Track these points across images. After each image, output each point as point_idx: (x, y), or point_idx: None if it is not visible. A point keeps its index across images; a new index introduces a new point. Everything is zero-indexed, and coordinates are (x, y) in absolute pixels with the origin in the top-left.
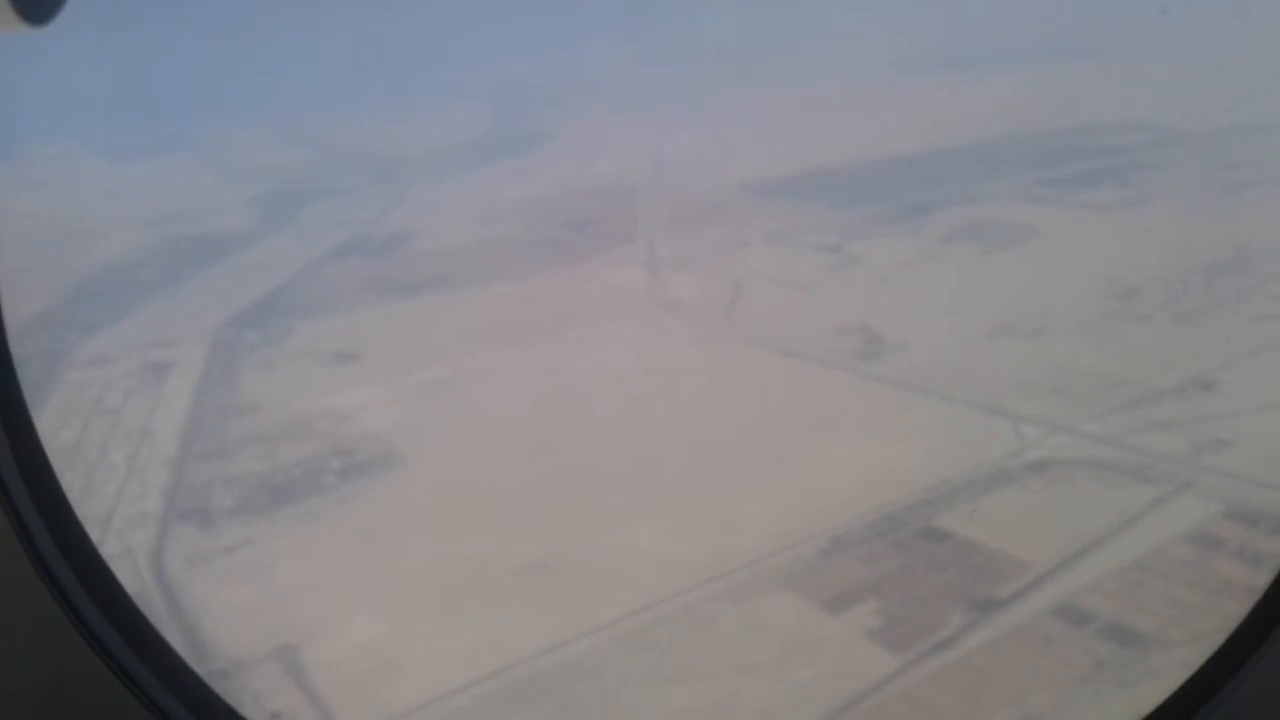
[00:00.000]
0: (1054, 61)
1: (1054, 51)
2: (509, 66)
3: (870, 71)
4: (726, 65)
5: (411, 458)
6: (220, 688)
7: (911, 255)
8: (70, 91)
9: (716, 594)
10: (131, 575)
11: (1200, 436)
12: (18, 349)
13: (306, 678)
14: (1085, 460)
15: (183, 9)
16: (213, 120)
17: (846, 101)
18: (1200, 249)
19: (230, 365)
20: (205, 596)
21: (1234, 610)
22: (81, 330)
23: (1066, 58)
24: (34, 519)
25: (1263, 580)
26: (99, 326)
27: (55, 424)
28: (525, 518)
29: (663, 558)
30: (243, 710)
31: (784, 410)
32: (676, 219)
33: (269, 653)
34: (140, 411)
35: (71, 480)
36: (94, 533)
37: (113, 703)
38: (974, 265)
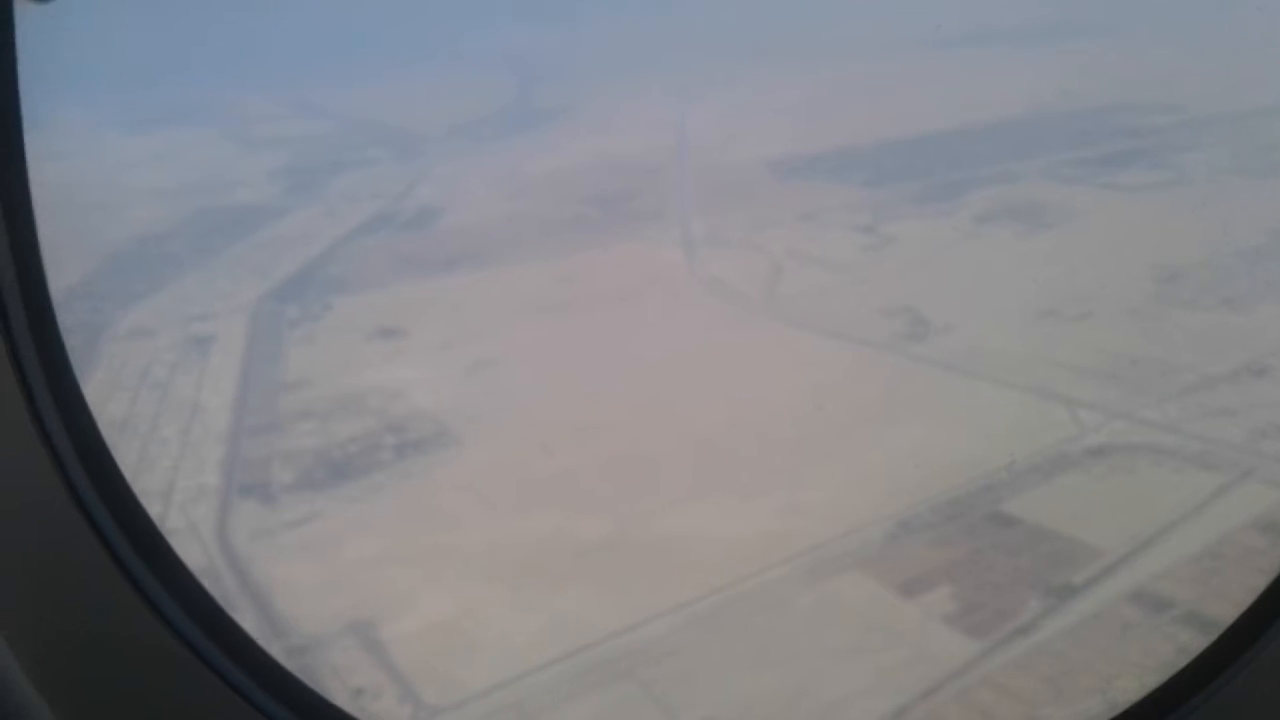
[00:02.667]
0: (1078, 39)
1: (1077, 29)
2: (525, 39)
3: (894, 48)
4: (747, 40)
5: (465, 436)
6: (299, 663)
7: (948, 236)
8: (85, 62)
9: (788, 576)
10: (198, 550)
11: (1258, 423)
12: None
13: (385, 654)
14: (1146, 446)
15: None
16: (227, 91)
17: (870, 78)
18: (1239, 233)
19: (273, 340)
20: (275, 571)
21: None
22: (118, 302)
23: (1090, 35)
24: (90, 495)
25: None
26: (135, 298)
27: (102, 397)
28: (585, 497)
29: (727, 539)
30: (325, 686)
31: (835, 392)
32: (705, 196)
33: (344, 628)
34: (188, 385)
35: (125, 454)
36: (155, 507)
37: (195, 689)
38: (1012, 246)
